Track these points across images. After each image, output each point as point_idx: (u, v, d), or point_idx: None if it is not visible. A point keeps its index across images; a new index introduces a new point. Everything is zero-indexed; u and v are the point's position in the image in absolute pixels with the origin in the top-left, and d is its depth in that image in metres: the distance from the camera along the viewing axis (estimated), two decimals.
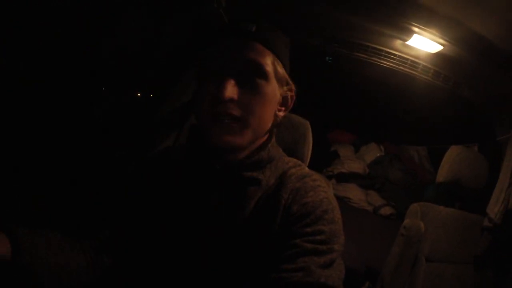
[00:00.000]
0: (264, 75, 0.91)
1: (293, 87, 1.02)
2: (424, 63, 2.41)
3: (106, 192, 1.53)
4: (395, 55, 2.48)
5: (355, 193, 4.12)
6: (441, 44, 2.04)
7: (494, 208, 2.02)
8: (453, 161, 2.19)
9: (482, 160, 2.21)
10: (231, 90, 0.86)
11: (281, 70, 0.96)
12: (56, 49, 1.42)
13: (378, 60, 2.57)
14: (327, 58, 3.17)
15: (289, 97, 1.02)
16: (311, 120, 1.38)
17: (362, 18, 2.15)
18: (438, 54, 2.20)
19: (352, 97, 4.14)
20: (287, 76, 0.99)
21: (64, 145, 1.59)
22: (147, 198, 1.02)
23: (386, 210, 3.88)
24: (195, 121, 1.01)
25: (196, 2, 1.67)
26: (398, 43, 2.34)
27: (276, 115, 1.00)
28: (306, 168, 1.04)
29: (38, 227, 0.89)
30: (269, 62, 0.92)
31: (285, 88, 0.99)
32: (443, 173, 2.23)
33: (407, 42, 2.23)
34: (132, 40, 1.75)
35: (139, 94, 2.03)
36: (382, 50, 2.50)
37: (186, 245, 0.92)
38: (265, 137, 1.01)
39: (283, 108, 1.03)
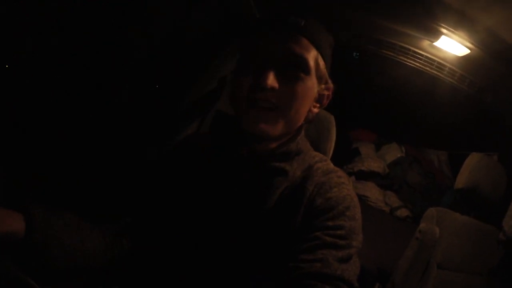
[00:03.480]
0: (306, 70, 0.92)
1: (331, 85, 1.03)
2: (451, 66, 2.35)
3: (129, 177, 1.55)
4: (422, 55, 2.43)
5: (373, 192, 4.10)
6: (469, 48, 2.00)
7: (509, 221, 1.97)
8: (472, 168, 2.15)
9: (501, 169, 2.16)
10: (273, 79, 0.88)
11: (322, 67, 0.97)
12: (85, 35, 1.43)
13: (405, 59, 2.53)
14: (354, 54, 3.12)
15: (325, 95, 1.04)
16: (335, 117, 1.39)
17: (391, 18, 2.12)
18: (465, 58, 2.15)
19: (376, 96, 4.09)
20: (327, 74, 1.00)
21: (88, 131, 1.60)
22: (171, 184, 1.03)
23: (403, 212, 3.85)
24: (220, 108, 1.02)
25: None
26: (425, 43, 2.29)
27: (310, 111, 1.01)
28: (331, 164, 1.05)
29: (58, 208, 0.88)
30: (312, 58, 0.93)
31: (323, 86, 1.00)
32: (462, 179, 2.18)
33: (434, 43, 2.18)
34: (162, 27, 1.76)
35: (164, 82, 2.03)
36: (409, 50, 2.45)
37: (209, 230, 0.93)
38: (295, 131, 1.02)
39: (318, 105, 1.04)
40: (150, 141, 1.83)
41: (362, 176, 4.38)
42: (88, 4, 1.36)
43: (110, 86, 1.66)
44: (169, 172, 1.06)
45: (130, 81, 1.77)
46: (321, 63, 0.96)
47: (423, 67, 2.49)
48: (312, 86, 0.95)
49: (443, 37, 2.05)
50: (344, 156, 4.63)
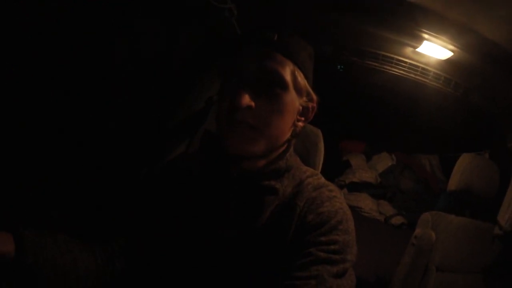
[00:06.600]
0: (282, 85, 0.91)
1: (315, 97, 1.01)
2: (435, 70, 2.40)
3: (119, 198, 1.53)
4: (406, 62, 2.48)
5: (366, 203, 4.09)
6: (451, 51, 2.04)
7: (504, 215, 1.98)
8: (464, 169, 2.16)
9: (493, 167, 2.18)
10: (248, 98, 0.87)
11: (301, 80, 0.95)
12: (67, 53, 1.42)
13: (389, 68, 2.57)
14: (339, 66, 3.16)
15: (309, 107, 1.01)
16: (322, 129, 1.38)
17: (373, 25, 2.15)
18: (448, 61, 2.19)
19: (363, 106, 4.13)
20: (308, 87, 0.98)
21: (76, 151, 1.58)
22: (162, 205, 1.02)
23: (397, 220, 3.84)
24: (208, 127, 1.01)
25: (207, 11, 1.67)
26: (408, 50, 2.34)
27: (295, 125, 1.00)
28: (323, 178, 1.03)
29: (48, 229, 0.88)
30: (288, 72, 0.91)
31: (305, 98, 0.98)
32: (454, 181, 2.20)
33: (417, 49, 2.22)
34: (145, 47, 1.76)
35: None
36: (393, 58, 2.50)
37: (200, 251, 0.92)
38: (284, 147, 1.01)
39: (302, 119, 1.02)
40: (139, 162, 1.82)
41: (355, 187, 4.36)
42: (72, 22, 1.35)
43: (97, 110, 1.65)
44: (159, 194, 1.05)
45: (117, 104, 1.76)
46: (300, 75, 0.94)
47: (407, 74, 2.54)
48: (291, 101, 0.94)
49: (425, 42, 2.09)
50: (335, 168, 4.62)
